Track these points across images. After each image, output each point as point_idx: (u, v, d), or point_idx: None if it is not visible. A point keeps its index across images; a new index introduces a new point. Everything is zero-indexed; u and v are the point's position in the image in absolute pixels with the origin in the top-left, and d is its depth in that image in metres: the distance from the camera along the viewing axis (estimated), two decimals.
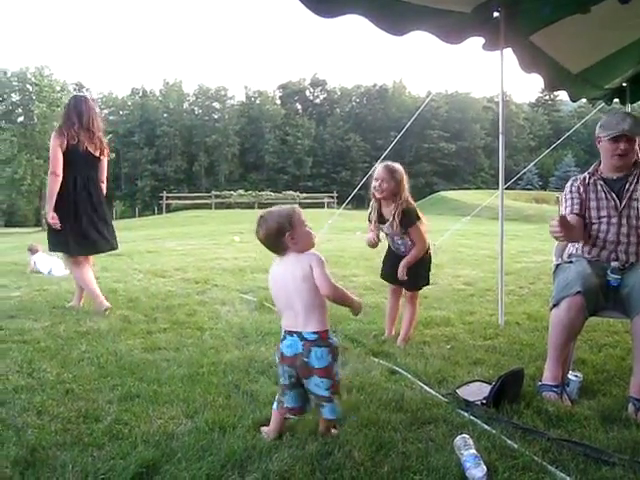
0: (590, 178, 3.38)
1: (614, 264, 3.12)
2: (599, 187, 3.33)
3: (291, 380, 2.46)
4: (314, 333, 2.41)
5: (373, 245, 4.05)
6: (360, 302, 2.64)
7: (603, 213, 3.28)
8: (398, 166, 4.01)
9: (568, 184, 3.49)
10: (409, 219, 3.93)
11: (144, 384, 3.14)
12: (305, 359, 2.39)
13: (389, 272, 4.16)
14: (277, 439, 2.46)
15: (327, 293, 2.43)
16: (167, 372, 3.36)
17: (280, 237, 2.45)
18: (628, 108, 6.28)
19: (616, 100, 6.44)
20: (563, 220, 3.02)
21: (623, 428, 2.58)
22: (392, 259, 4.15)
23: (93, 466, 2.22)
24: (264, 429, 2.54)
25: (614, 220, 3.24)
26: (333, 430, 2.56)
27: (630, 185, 3.25)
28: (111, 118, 67.21)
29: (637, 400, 2.79)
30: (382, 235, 4.14)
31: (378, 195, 3.97)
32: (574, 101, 6.53)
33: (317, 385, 2.41)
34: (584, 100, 6.87)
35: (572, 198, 3.38)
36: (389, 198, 3.95)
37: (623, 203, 3.23)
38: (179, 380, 3.21)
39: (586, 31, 4.29)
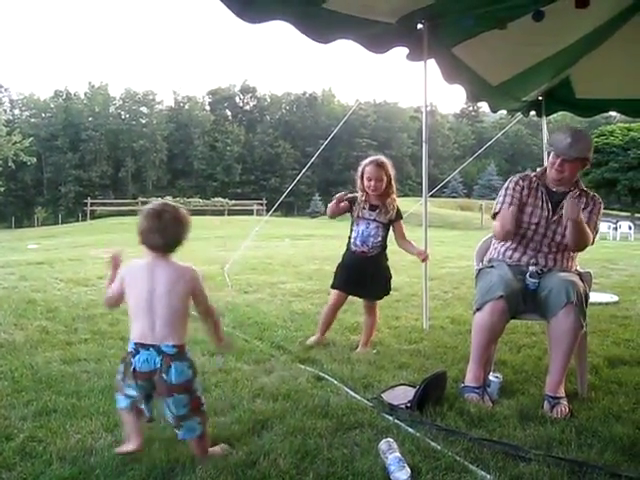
0: (535, 181, 3.42)
1: (532, 268, 3.23)
2: (539, 193, 3.37)
3: (145, 393, 2.30)
4: (174, 347, 2.24)
5: (333, 212, 4.02)
6: (229, 341, 2.57)
7: (534, 220, 3.34)
8: (385, 159, 4.03)
9: (514, 179, 3.47)
10: (399, 213, 4.07)
11: (62, 398, 3.00)
12: (164, 375, 2.22)
13: (347, 280, 4.06)
14: None
15: (208, 312, 2.39)
16: (87, 384, 3.22)
17: (184, 238, 2.34)
18: (543, 120, 6.58)
19: (533, 112, 6.74)
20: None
21: (539, 425, 2.69)
22: (352, 267, 4.04)
23: None
24: (122, 449, 2.35)
25: (541, 230, 3.32)
26: (217, 448, 2.41)
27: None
28: (32, 121, 64.56)
29: (552, 398, 2.93)
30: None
31: (373, 194, 3.96)
32: (494, 112, 6.79)
33: (177, 403, 2.26)
34: (505, 112, 7.15)
35: (513, 196, 3.39)
36: (382, 193, 3.98)
37: (555, 218, 3.31)
38: (100, 392, 3.08)
39: (504, 46, 4.47)
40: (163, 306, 2.26)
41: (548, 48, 4.75)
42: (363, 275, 3.98)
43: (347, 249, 4.09)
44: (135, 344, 2.27)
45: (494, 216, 3.48)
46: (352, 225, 4.07)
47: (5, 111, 58.47)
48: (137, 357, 2.25)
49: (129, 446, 2.34)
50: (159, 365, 2.22)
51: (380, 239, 3.99)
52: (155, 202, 2.41)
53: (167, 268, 2.31)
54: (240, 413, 2.78)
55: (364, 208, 3.99)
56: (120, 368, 2.34)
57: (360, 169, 3.98)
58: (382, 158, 4.02)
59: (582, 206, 3.28)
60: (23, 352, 3.91)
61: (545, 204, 3.35)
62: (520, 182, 3.44)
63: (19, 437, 2.52)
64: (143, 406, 2.33)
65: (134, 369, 2.24)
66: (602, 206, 3.39)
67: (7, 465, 2.28)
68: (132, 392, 2.29)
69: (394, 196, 4.04)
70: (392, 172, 4.01)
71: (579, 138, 3.24)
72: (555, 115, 7.28)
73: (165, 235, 2.29)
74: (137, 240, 2.35)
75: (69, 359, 3.74)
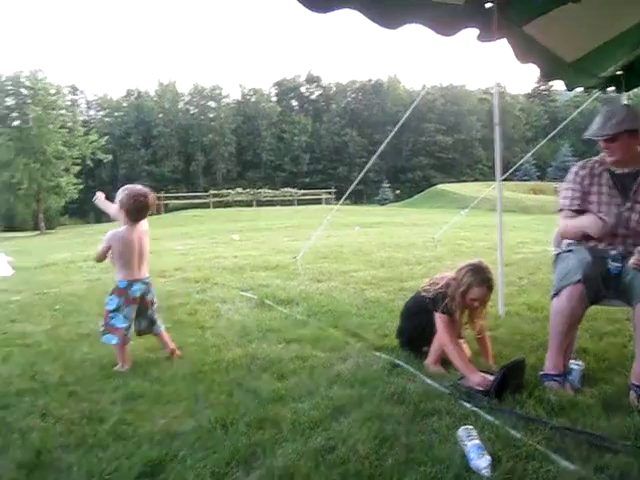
0: (598, 167, 3.23)
1: (614, 252, 3.09)
2: (604, 180, 3.18)
3: (135, 313, 3.63)
4: (148, 277, 3.72)
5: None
6: None
7: (603, 209, 3.15)
8: (492, 273, 3.36)
9: (573, 170, 3.29)
10: None
11: (147, 384, 3.16)
12: (148, 296, 3.69)
13: None
14: (280, 433, 2.47)
15: None
16: (169, 371, 3.38)
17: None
18: (624, 96, 6.27)
19: (611, 88, 6.43)
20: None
21: (625, 415, 2.59)
22: None
23: (98, 467, 2.24)
24: (118, 367, 3.49)
25: (612, 221, 3.11)
26: (178, 352, 3.73)
27: (639, 186, 3.12)
28: (106, 120, 67.15)
29: (638, 387, 2.80)
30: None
31: (469, 308, 3.38)
32: (570, 90, 6.51)
33: (153, 312, 3.74)
34: (580, 89, 6.86)
35: (574, 190, 3.23)
36: None
37: (627, 204, 3.11)
38: (181, 379, 3.22)
39: (579, 20, 4.28)
40: (144, 256, 3.67)
41: (629, 19, 4.51)
42: None
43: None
44: (128, 281, 3.59)
45: (559, 211, 3.31)
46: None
47: (82, 112, 61.06)
48: (133, 288, 3.59)
49: (125, 367, 3.50)
50: (145, 290, 3.66)
51: None
52: (135, 186, 3.64)
53: (140, 232, 3.62)
54: (318, 399, 2.82)
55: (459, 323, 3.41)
56: (114, 302, 3.58)
57: (465, 282, 3.26)
58: (491, 274, 3.33)
59: None
60: None
61: (611, 190, 3.16)
62: (580, 172, 3.25)
63: (110, 420, 2.68)
64: (132, 326, 3.64)
65: (132, 297, 3.58)
66: None
67: (102, 445, 2.43)
68: (130, 314, 3.59)
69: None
70: None
71: (610, 115, 3.09)
72: (636, 90, 6.90)
73: (148, 210, 3.63)
74: (125, 215, 3.56)
75: (152, 347, 3.91)
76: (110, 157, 45.25)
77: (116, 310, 3.58)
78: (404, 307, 3.83)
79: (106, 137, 44.40)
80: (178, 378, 3.24)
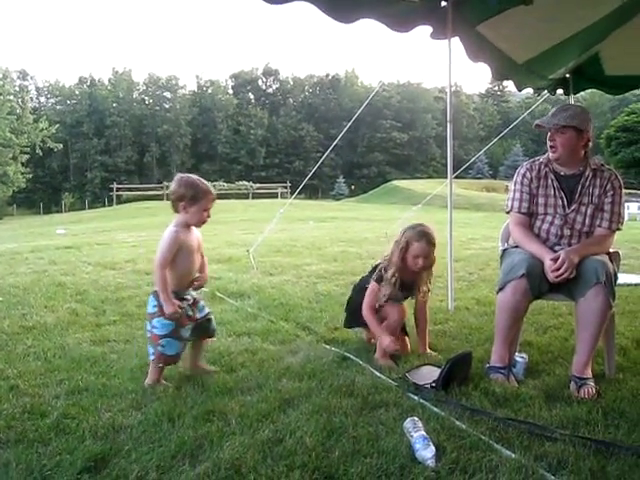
0: (543, 168, 3.30)
1: (558, 247, 3.18)
2: (549, 181, 3.26)
3: None
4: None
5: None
6: None
7: (549, 210, 3.24)
8: (432, 230, 3.39)
9: (521, 171, 3.36)
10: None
11: (92, 377, 3.08)
12: None
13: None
14: (227, 426, 2.46)
15: None
16: (116, 365, 3.30)
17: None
18: (571, 99, 6.44)
19: (560, 91, 6.60)
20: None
21: (565, 405, 2.67)
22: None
23: (38, 462, 2.16)
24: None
25: (557, 221, 3.22)
26: (163, 382, 3.02)
27: (582, 188, 3.20)
28: (58, 108, 65.46)
29: (578, 378, 2.89)
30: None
31: (415, 269, 3.38)
32: (520, 90, 6.64)
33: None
34: (531, 91, 7.02)
35: (522, 192, 3.30)
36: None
37: (572, 207, 3.19)
38: (128, 372, 3.15)
39: (530, 22, 4.36)
40: None
41: (576, 24, 4.62)
42: None
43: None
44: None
45: (508, 212, 3.41)
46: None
47: (32, 99, 59.27)
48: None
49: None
50: None
51: None
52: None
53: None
54: (266, 392, 2.82)
55: (397, 288, 3.39)
56: (169, 325, 2.99)
57: (403, 241, 3.32)
58: (431, 230, 3.36)
59: (597, 191, 3.19)
60: (54, 333, 4.01)
61: (557, 191, 3.23)
62: (527, 174, 3.32)
63: (53, 414, 2.59)
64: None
65: None
66: (621, 183, 3.26)
67: (43, 440, 2.35)
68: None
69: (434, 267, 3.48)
70: None
71: (566, 108, 3.21)
72: (583, 93, 7.10)
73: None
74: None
75: (99, 340, 3.83)
76: (61, 146, 44.19)
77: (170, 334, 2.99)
78: (358, 280, 3.90)
79: (57, 125, 43.39)
80: (125, 371, 3.16)
